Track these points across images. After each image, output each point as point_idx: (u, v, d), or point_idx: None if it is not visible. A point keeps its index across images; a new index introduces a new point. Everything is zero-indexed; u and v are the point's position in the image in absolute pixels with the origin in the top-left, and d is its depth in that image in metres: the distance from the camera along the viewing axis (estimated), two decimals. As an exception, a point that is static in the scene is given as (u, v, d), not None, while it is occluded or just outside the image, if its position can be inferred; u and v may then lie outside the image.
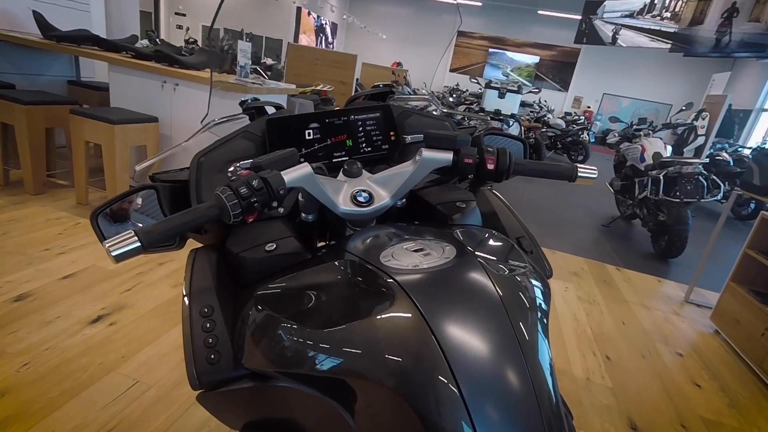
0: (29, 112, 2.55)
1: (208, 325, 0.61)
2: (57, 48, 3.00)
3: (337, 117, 0.85)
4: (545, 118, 8.81)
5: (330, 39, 14.23)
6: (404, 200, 0.81)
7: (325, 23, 13.80)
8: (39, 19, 3.15)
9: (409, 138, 0.91)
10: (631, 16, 8.81)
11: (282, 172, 0.60)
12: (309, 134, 0.83)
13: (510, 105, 4.69)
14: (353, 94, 1.04)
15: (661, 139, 4.13)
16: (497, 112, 4.61)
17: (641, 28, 8.64)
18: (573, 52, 14.10)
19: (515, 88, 4.76)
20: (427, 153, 0.70)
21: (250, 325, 0.58)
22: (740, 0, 6.77)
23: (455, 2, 13.64)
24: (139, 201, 0.70)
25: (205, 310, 0.62)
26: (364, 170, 0.77)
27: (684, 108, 5.44)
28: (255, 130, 0.81)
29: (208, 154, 0.76)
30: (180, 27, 11.94)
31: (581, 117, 9.87)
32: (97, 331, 1.64)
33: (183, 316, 0.62)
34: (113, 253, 0.48)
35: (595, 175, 0.72)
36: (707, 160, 3.72)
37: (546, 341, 0.51)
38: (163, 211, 0.71)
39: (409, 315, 0.46)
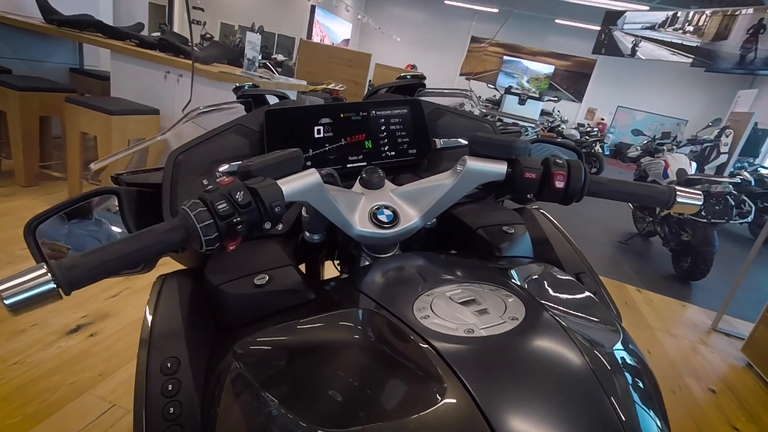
0: (23, 98, 2.41)
1: (170, 386, 0.44)
2: (57, 33, 2.87)
3: (354, 112, 0.68)
4: (559, 128, 8.61)
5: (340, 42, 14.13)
6: (435, 220, 0.64)
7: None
8: (41, 2, 3.03)
9: (441, 142, 0.74)
10: (652, 28, 8.61)
11: (280, 181, 0.44)
12: (319, 131, 0.66)
13: (530, 112, 4.50)
14: (373, 87, 0.88)
15: (685, 155, 3.94)
16: (516, 119, 4.45)
17: (662, 41, 8.45)
18: (588, 62, 13.90)
19: (536, 95, 4.57)
20: (473, 162, 0.53)
21: (224, 394, 0.40)
22: None
23: (471, 7, 13.51)
24: (95, 210, 0.54)
25: (168, 365, 0.45)
26: (386, 180, 0.60)
27: (711, 124, 5.24)
28: (251, 123, 0.64)
29: (190, 151, 0.59)
30: (198, 22, 11.87)
31: (595, 129, 9.66)
32: (74, 343, 1.47)
33: (137, 371, 0.45)
34: (7, 302, 0.31)
35: (700, 201, 0.55)
36: (739, 180, 3.52)
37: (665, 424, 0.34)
38: (126, 225, 0.55)
39: (468, 419, 0.29)
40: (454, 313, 0.38)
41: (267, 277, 0.49)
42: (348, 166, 0.67)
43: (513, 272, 0.49)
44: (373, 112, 0.69)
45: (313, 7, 11.97)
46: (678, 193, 0.54)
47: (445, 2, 13.47)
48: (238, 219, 0.39)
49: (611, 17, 9.20)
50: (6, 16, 2.86)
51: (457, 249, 0.65)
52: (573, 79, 14.37)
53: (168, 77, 2.71)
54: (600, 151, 8.00)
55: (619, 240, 4.26)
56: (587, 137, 8.47)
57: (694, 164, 3.88)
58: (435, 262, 0.53)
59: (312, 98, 3.25)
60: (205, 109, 0.69)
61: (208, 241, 0.38)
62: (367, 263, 0.59)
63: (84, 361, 1.40)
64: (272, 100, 0.75)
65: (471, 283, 0.44)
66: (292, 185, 0.44)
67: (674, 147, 4.11)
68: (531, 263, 0.56)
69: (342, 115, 0.67)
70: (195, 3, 12.07)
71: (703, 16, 7.67)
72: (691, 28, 7.87)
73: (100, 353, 1.45)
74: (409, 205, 0.57)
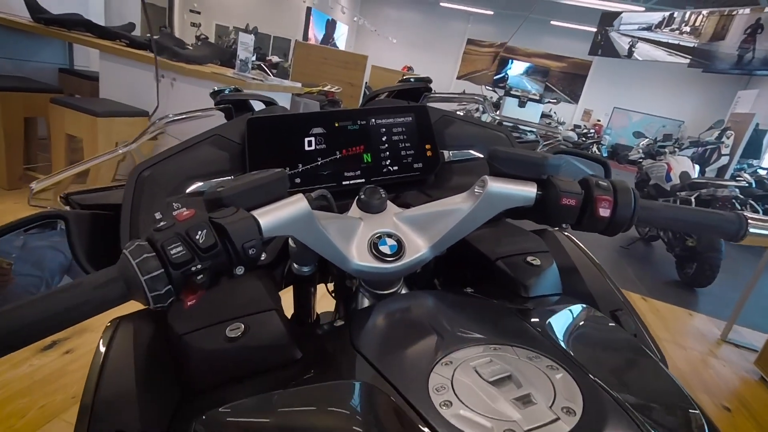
0: (5, 99, 2.31)
1: None
2: (45, 32, 2.77)
3: (350, 120, 0.59)
4: (557, 131, 8.55)
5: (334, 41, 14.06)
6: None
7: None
8: (29, 1, 2.92)
9: (450, 154, 0.65)
10: (649, 29, 8.59)
11: (257, 212, 0.35)
12: (310, 143, 0.57)
13: (531, 115, 4.42)
14: (372, 91, 0.78)
15: (688, 157, 3.88)
16: (516, 123, 4.39)
17: (659, 41, 8.43)
18: (584, 64, 13.89)
19: (537, 97, 4.48)
20: (495, 184, 0.44)
21: None
22: (765, 16, 6.53)
23: (466, 9, 13.50)
24: (35, 239, 0.45)
25: None
26: (389, 201, 0.51)
27: (713, 126, 5.19)
28: (231, 133, 0.55)
29: (158, 165, 0.50)
30: (195, 24, 11.76)
31: (591, 130, 9.63)
32: (47, 361, 1.37)
33: None
34: None
35: None
36: (747, 184, 3.46)
37: None
38: (75, 256, 0.45)
39: None
40: (485, 400, 0.28)
41: (243, 327, 0.39)
42: (344, 183, 0.58)
43: (550, 323, 0.40)
44: (373, 120, 0.60)
45: (309, 9, 11.90)
46: (750, 222, 0.45)
47: (441, 4, 13.44)
48: (199, 267, 0.30)
49: (607, 18, 9.19)
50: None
51: (470, 280, 0.56)
52: (569, 81, 14.34)
53: (162, 80, 2.61)
54: (598, 153, 7.96)
55: (620, 245, 4.19)
56: (585, 139, 8.43)
57: (697, 167, 3.82)
58: (451, 308, 0.44)
59: (307, 101, 3.15)
60: (175, 117, 0.59)
61: (156, 297, 0.29)
62: (366, 304, 0.50)
63: (57, 382, 1.30)
64: (258, 106, 0.65)
65: (501, 343, 0.34)
66: (272, 217, 0.35)
67: (676, 149, 4.05)
68: (564, 305, 0.47)
69: (337, 124, 0.58)
70: (192, 6, 11.98)
71: (700, 17, 7.66)
72: (687, 29, 7.85)
73: (75, 372, 1.34)
74: (417, 232, 0.48)
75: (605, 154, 8.39)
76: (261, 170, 0.39)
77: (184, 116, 0.59)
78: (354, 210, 0.51)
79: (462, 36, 14.67)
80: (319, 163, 0.57)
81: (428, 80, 0.73)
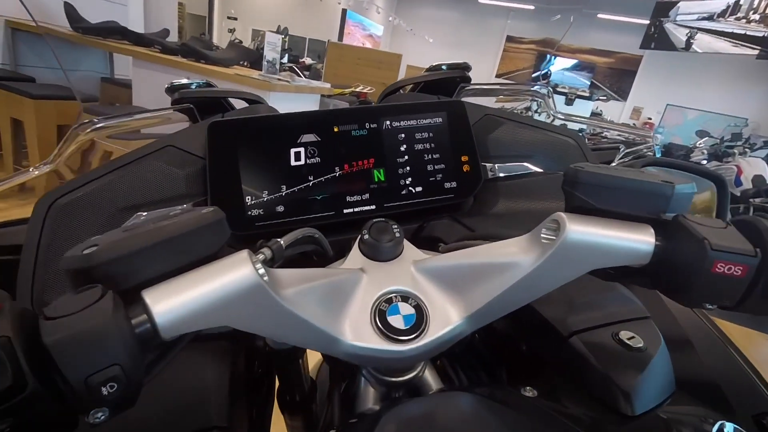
0: (38, 107, 2.34)
1: None
2: (81, 40, 2.82)
3: (356, 122, 0.43)
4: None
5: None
6: None
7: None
8: (69, 10, 3.00)
9: (496, 167, 0.47)
10: (710, 18, 7.88)
11: (152, 295, 0.19)
12: (298, 156, 0.41)
13: (579, 113, 4.07)
14: (390, 85, 0.55)
15: (763, 159, 3.44)
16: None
17: (722, 32, 7.71)
18: (633, 59, 13.08)
19: (586, 94, 4.11)
20: (578, 227, 0.27)
21: None
22: None
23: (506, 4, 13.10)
24: None
25: None
26: (405, 242, 0.35)
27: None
28: (189, 143, 0.41)
29: (80, 192, 0.36)
30: (231, 30, 12.17)
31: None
32: None
33: None
34: None
35: None
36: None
37: None
38: None
39: None
40: None
41: None
42: (346, 212, 0.42)
43: None
44: (388, 122, 0.44)
45: (344, 11, 11.93)
46: None
47: (479, 1, 13.07)
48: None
49: (662, 8, 8.53)
50: (25, 23, 2.84)
51: (529, 363, 0.38)
52: (616, 77, 13.55)
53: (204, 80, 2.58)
54: (650, 153, 7.37)
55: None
56: (635, 138, 7.85)
57: (772, 169, 3.38)
58: (506, 426, 0.26)
59: (336, 102, 3.03)
60: (102, 123, 0.45)
61: None
62: (371, 398, 0.34)
63: None
64: (240, 105, 0.51)
65: None
66: (181, 303, 0.20)
67: (747, 150, 3.61)
68: (688, 425, 0.28)
69: (336, 129, 0.42)
70: (229, 13, 12.35)
71: (771, 3, 6.94)
72: (757, 17, 7.13)
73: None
74: (447, 292, 0.31)
75: (658, 155, 7.75)
76: (186, 207, 0.24)
77: (118, 120, 0.45)
78: (354, 256, 0.35)
79: (501, 33, 14.22)
80: (310, 183, 0.41)
81: (465, 66, 0.56)
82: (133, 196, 0.38)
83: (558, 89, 4.45)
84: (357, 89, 4.05)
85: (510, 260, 0.29)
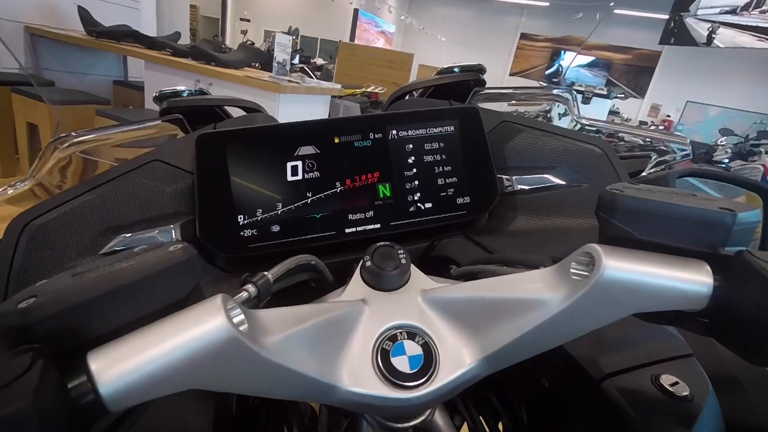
0: (52, 111, 2.36)
1: None
2: (94, 44, 2.85)
3: (358, 133, 0.39)
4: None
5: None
6: None
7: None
8: (83, 14, 3.04)
9: (514, 180, 0.43)
10: (733, 12, 7.62)
11: (99, 359, 0.15)
12: (295, 170, 0.38)
13: (597, 112, 3.93)
14: (397, 89, 0.53)
15: (791, 158, 3.30)
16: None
17: (745, 25, 7.46)
18: (651, 55, 12.78)
19: (604, 92, 3.97)
20: (616, 263, 0.22)
21: None
22: None
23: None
24: None
25: None
26: (414, 267, 0.31)
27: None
28: (178, 157, 0.38)
29: (57, 212, 0.33)
30: (243, 32, 12.27)
31: (661, 127, 8.76)
32: None
33: None
34: None
35: None
36: None
37: None
38: None
39: None
40: None
41: None
42: (348, 231, 0.38)
43: None
44: (394, 132, 0.40)
45: (356, 11, 11.93)
46: None
47: (493, -2, 12.94)
48: None
49: (683, 3, 8.29)
50: (45, 29, 2.88)
51: (554, 402, 0.34)
52: (633, 74, 13.26)
53: (197, 86, 2.58)
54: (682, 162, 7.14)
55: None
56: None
57: (801, 169, 3.24)
58: None
59: (347, 103, 3.00)
60: (81, 138, 0.42)
61: None
62: None
63: None
64: (236, 113, 0.47)
65: None
66: (128, 367, 0.16)
67: (774, 148, 3.47)
68: None
69: (337, 140, 0.38)
70: (242, 15, 12.45)
71: (798, -5, 6.69)
72: (782, 10, 6.87)
73: None
74: (460, 329, 0.27)
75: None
76: (152, 245, 0.20)
77: (100, 133, 0.42)
78: (356, 284, 0.31)
79: (515, 31, 14.05)
80: (308, 200, 0.37)
81: (480, 69, 0.51)
82: (115, 216, 0.34)
83: (574, 88, 4.34)
84: (368, 89, 4.02)
85: (534, 297, 0.25)
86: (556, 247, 0.39)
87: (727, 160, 3.99)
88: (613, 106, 8.48)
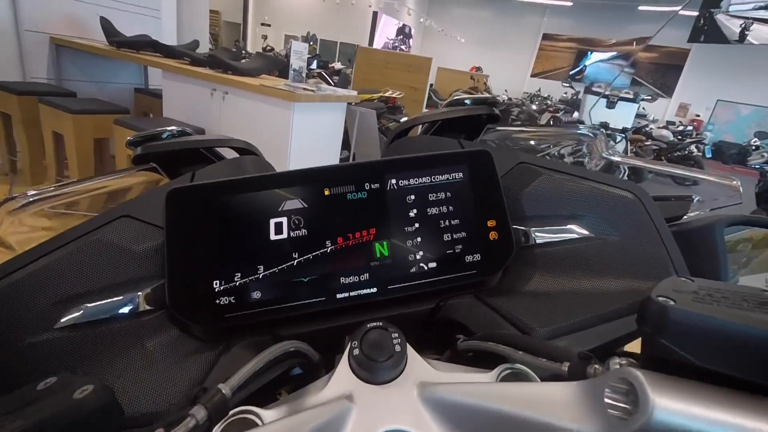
0: (76, 121, 2.42)
1: None
2: (115, 54, 2.90)
3: (352, 183, 0.35)
4: (647, 129, 7.54)
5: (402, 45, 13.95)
6: None
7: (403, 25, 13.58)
8: (105, 25, 3.10)
9: (531, 231, 0.37)
10: (767, 8, 7.26)
11: None
12: (278, 228, 0.33)
13: (622, 117, 3.74)
14: (403, 121, 0.46)
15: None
16: (604, 126, 3.71)
17: (782, 21, 7.09)
18: (679, 53, 12.35)
19: (630, 96, 3.78)
20: (669, 404, 0.16)
21: None
22: None
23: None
24: None
25: None
26: (411, 351, 0.26)
27: None
28: (148, 212, 0.33)
29: (6, 280, 0.29)
30: (263, 37, 12.41)
31: (689, 127, 8.42)
32: None
33: None
34: None
35: None
36: None
37: None
38: None
39: None
40: None
41: None
42: (339, 297, 0.33)
43: None
44: (393, 181, 0.35)
45: (375, 13, 11.93)
46: None
47: (513, -2, 12.74)
48: None
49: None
50: (67, 39, 2.95)
51: None
52: (660, 73, 12.84)
53: (214, 95, 2.59)
54: (698, 153, 6.83)
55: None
56: (681, 138, 7.34)
57: None
58: None
59: (363, 110, 2.96)
60: (35, 198, 0.38)
61: None
62: None
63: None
64: (230, 154, 0.43)
65: None
66: None
67: (816, 153, 3.26)
68: None
69: (328, 192, 0.34)
70: (263, 20, 12.61)
71: (840, -12, 6.32)
72: (823, 4, 6.50)
73: None
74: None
75: (708, 155, 7.18)
76: (61, 378, 0.16)
77: (60, 191, 0.38)
78: (342, 375, 0.26)
79: (537, 31, 13.80)
80: (294, 262, 0.33)
81: (494, 102, 0.46)
82: (75, 283, 0.31)
83: (594, 88, 4.14)
84: (386, 94, 3.97)
85: (557, 424, 0.20)
86: (580, 312, 0.34)
87: (766, 166, 3.78)
88: (641, 108, 8.21)
